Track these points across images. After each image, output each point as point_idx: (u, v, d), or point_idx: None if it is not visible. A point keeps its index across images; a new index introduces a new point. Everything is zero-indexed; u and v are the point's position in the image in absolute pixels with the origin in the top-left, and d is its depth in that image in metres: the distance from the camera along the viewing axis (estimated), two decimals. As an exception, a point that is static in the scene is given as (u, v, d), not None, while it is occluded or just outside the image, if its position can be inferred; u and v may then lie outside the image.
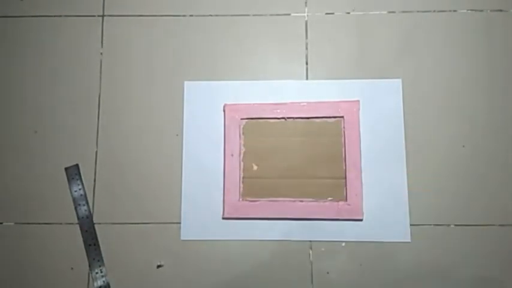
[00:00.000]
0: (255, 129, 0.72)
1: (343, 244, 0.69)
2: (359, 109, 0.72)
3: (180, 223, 0.71)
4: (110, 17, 0.77)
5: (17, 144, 0.74)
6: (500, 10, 0.74)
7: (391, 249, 0.68)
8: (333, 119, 0.72)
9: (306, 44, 0.75)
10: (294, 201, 0.70)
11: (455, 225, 0.69)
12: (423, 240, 0.69)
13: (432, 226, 0.69)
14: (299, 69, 0.74)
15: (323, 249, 0.69)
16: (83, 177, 0.72)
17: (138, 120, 0.74)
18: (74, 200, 0.72)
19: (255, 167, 0.71)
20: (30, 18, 0.77)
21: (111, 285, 0.70)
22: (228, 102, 0.73)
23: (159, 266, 0.70)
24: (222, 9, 0.76)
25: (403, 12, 0.75)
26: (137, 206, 0.71)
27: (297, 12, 0.76)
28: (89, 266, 0.70)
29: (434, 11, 0.75)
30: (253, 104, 0.73)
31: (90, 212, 0.71)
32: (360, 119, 0.71)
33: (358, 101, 0.72)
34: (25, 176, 0.73)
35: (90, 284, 0.70)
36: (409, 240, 0.69)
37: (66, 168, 0.73)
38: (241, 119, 0.72)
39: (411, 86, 0.73)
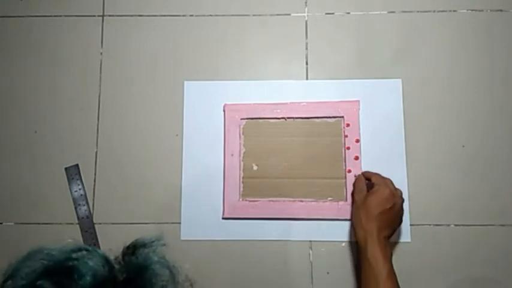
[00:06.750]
0: (255, 129, 0.72)
1: (343, 244, 0.69)
2: (359, 109, 0.72)
3: (180, 223, 0.71)
4: (110, 17, 0.77)
5: (17, 144, 0.74)
6: (501, 10, 0.74)
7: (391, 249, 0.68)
8: (333, 119, 0.72)
9: (306, 44, 0.75)
10: (294, 201, 0.70)
11: (455, 225, 0.69)
12: (423, 240, 0.69)
13: (432, 226, 0.69)
14: (299, 69, 0.74)
15: (323, 249, 0.69)
16: (83, 177, 0.72)
17: (138, 120, 0.74)
18: (74, 200, 0.72)
19: (255, 167, 0.71)
20: (30, 18, 0.77)
21: (111, 285, 0.70)
22: (228, 102, 0.73)
23: (159, 266, 0.70)
24: (222, 9, 0.76)
25: (403, 12, 0.75)
26: (137, 206, 0.71)
27: (297, 12, 0.76)
28: (89, 266, 0.70)
29: (434, 11, 0.75)
30: (253, 104, 0.73)
31: (90, 212, 0.71)
32: (360, 119, 0.71)
33: (358, 101, 0.72)
34: (25, 176, 0.73)
35: (90, 284, 0.70)
36: (409, 240, 0.68)
37: (66, 168, 0.73)
38: (241, 119, 0.72)
39: (411, 86, 0.73)
